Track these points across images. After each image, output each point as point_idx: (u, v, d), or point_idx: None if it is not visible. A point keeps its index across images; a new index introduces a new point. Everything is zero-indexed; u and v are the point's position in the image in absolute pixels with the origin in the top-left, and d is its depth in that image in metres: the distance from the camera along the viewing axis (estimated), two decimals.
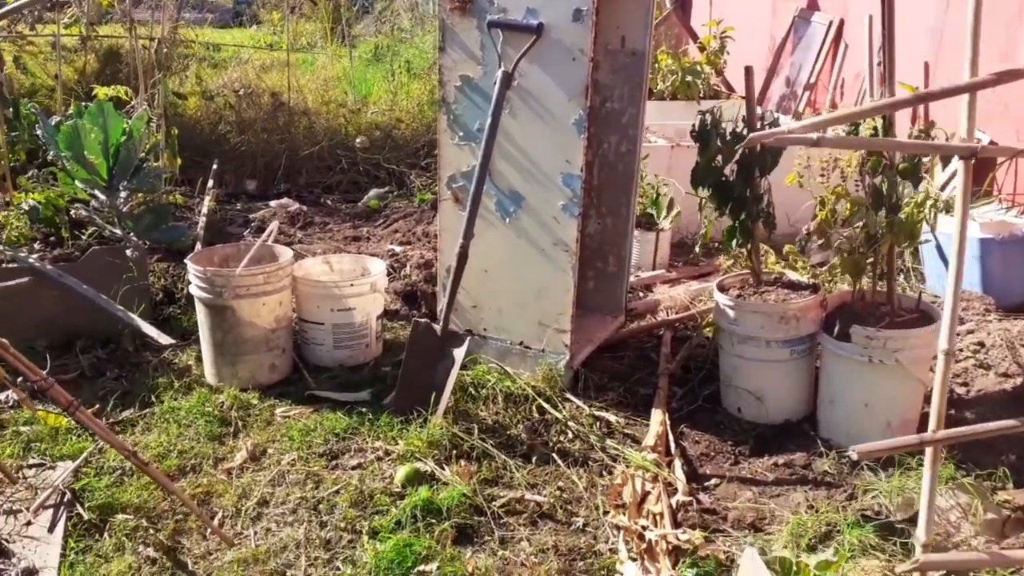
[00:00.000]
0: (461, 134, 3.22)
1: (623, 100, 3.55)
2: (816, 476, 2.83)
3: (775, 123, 3.00)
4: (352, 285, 3.42)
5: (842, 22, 6.28)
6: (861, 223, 2.80)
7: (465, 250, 3.04)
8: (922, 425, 2.97)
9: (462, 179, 3.28)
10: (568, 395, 3.27)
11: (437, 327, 3.10)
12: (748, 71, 3.05)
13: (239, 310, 3.21)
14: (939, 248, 4.21)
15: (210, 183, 5.45)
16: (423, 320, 3.14)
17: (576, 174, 3.04)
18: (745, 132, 3.05)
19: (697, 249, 3.40)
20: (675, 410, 3.26)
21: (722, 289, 3.26)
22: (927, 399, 2.74)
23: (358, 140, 6.48)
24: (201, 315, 3.30)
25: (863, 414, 2.94)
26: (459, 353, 3.04)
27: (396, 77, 7.34)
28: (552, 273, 3.20)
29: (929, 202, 2.57)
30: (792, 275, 3.33)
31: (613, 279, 3.79)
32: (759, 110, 6.77)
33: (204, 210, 4.85)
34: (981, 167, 4.95)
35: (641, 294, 4.32)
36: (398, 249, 4.55)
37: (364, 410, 3.12)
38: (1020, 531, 2.50)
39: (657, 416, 3.11)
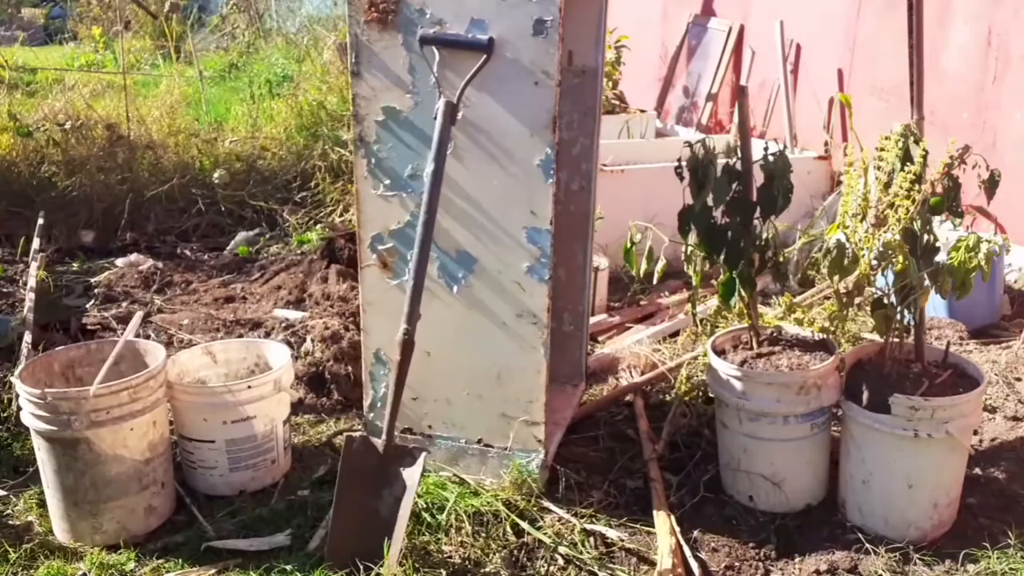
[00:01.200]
0: (387, 182, 2.48)
1: (573, 128, 2.92)
2: None
3: (782, 156, 2.46)
4: (249, 387, 2.59)
5: (742, 28, 5.99)
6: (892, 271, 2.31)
7: (410, 338, 2.31)
8: (969, 506, 2.55)
9: (391, 239, 2.53)
10: (546, 503, 2.59)
11: (378, 442, 2.34)
12: (742, 91, 2.50)
13: (98, 442, 2.31)
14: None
15: (36, 241, 4.35)
16: (358, 435, 2.37)
17: (544, 228, 2.38)
18: (739, 167, 2.50)
19: (643, 272, 2.80)
20: (675, 506, 2.66)
21: (719, 352, 2.70)
22: None
23: (216, 175, 5.52)
24: (42, 453, 2.36)
25: (905, 496, 2.46)
26: (411, 475, 2.29)
27: (256, 99, 6.39)
28: (517, 352, 2.52)
29: (985, 245, 2.10)
30: (790, 328, 2.82)
31: (570, 340, 3.15)
32: (662, 123, 6.40)
33: (31, 281, 3.78)
34: None
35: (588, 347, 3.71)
36: (291, 316, 3.70)
37: (287, 567, 2.29)
38: None
39: (663, 523, 2.50)
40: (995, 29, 4.23)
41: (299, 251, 4.84)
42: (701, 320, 2.95)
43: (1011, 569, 2.26)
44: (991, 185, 2.27)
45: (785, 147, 2.60)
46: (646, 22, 6.94)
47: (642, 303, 4.18)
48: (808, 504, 2.65)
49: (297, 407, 3.15)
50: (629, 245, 2.68)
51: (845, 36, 5.14)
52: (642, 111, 6.28)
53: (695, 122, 6.21)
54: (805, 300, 3.82)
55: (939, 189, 2.28)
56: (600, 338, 3.84)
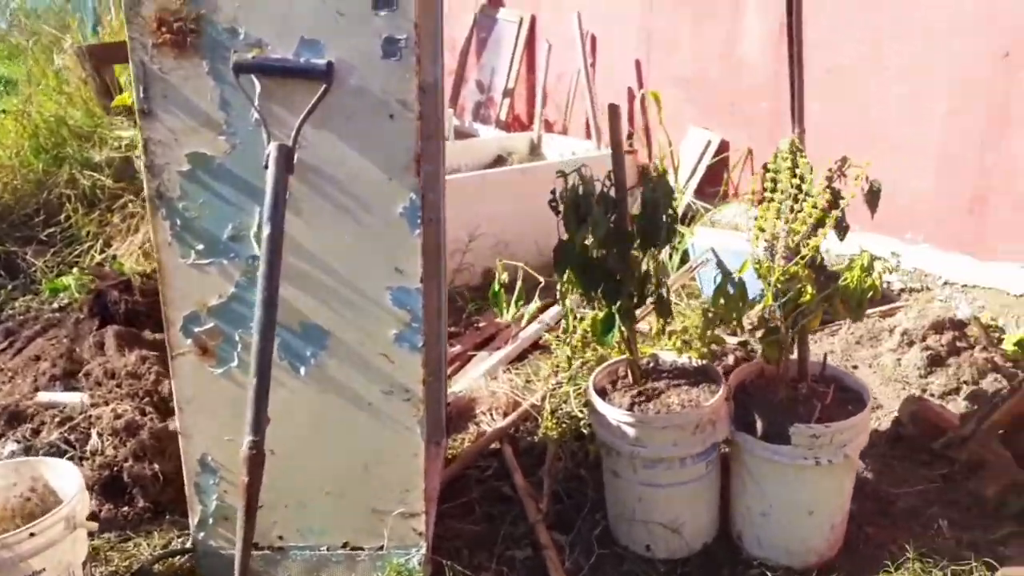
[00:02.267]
0: (201, 248, 1.93)
1: None
2: None
3: (663, 182, 2.22)
4: (32, 534, 1.92)
5: (533, 19, 5.81)
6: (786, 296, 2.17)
7: (259, 451, 1.80)
8: (850, 514, 2.52)
9: (212, 318, 1.99)
10: None
11: None
12: (613, 111, 2.22)
13: None
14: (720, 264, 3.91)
15: None
16: None
17: (414, 287, 1.96)
18: (615, 194, 2.24)
19: (511, 316, 2.50)
20: (572, 572, 2.39)
21: (600, 393, 2.45)
22: None
23: None
24: None
25: (806, 523, 2.37)
26: None
27: None
28: (387, 435, 2.10)
29: (879, 264, 2.01)
30: (666, 356, 2.63)
31: (429, 394, 2.73)
32: (459, 121, 6.08)
33: None
34: (718, 168, 4.83)
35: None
36: (64, 400, 2.92)
37: None
38: None
39: None
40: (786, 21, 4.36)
41: (55, 305, 3.95)
42: (567, 357, 2.69)
43: None
44: (872, 198, 2.19)
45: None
46: None
47: (480, 325, 3.86)
48: (705, 543, 2.50)
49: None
50: (497, 287, 2.33)
51: (640, 28, 5.12)
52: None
53: (493, 119, 5.97)
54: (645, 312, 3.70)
55: (822, 205, 2.16)
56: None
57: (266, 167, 1.76)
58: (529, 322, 3.60)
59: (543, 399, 3.06)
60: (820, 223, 2.12)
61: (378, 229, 1.90)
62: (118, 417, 2.68)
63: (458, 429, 3.05)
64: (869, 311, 3.70)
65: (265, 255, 1.76)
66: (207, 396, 2.04)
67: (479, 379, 3.27)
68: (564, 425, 2.94)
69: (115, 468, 2.59)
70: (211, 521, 2.15)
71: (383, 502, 2.16)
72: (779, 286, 2.03)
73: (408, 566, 2.20)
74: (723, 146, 4.72)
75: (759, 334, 2.12)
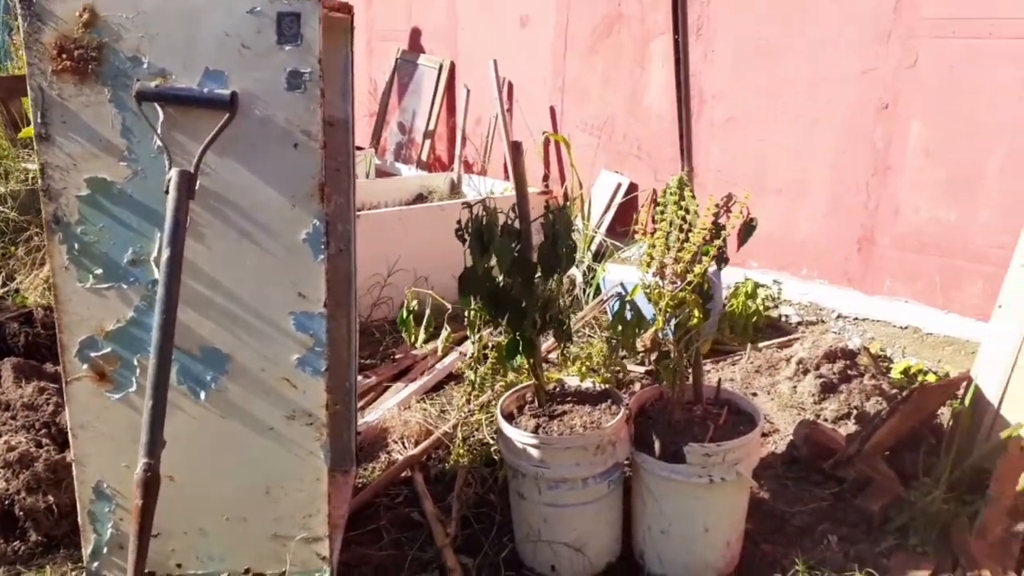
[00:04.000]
0: (99, 272, 1.94)
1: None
2: None
3: (562, 213, 2.34)
4: None
5: (453, 65, 5.98)
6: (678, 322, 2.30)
7: (153, 473, 1.80)
8: (747, 532, 2.64)
9: (109, 343, 1.99)
10: None
11: None
12: (516, 147, 2.34)
13: None
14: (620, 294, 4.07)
15: None
16: None
17: (317, 312, 2.01)
18: (518, 225, 2.35)
19: (421, 343, 2.55)
20: None
21: (508, 418, 2.52)
22: None
23: None
24: None
25: (703, 540, 2.47)
26: None
27: None
28: (289, 460, 2.11)
29: (763, 291, 2.16)
30: (571, 380, 2.73)
31: (338, 422, 2.77)
32: (380, 161, 6.17)
33: None
34: (627, 208, 5.03)
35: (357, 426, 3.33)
36: None
37: None
38: None
39: None
40: (689, 71, 4.62)
41: None
42: (477, 384, 2.76)
43: None
44: (746, 232, 2.34)
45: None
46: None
47: (396, 357, 3.90)
48: (609, 562, 2.57)
49: None
50: (406, 314, 2.39)
51: (554, 76, 5.33)
52: (359, 148, 6.00)
53: (415, 159, 6.08)
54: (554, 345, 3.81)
55: (704, 236, 2.31)
56: (358, 404, 3.48)
57: (167, 193, 1.79)
58: (444, 350, 3.65)
59: (455, 427, 3.11)
60: (703, 252, 2.26)
61: (281, 255, 1.95)
62: (11, 449, 2.61)
63: (369, 458, 3.07)
64: (767, 343, 3.90)
65: (163, 279, 1.78)
66: (103, 422, 2.03)
67: (392, 409, 3.30)
68: (475, 452, 2.99)
69: (7, 501, 2.52)
70: (105, 550, 2.11)
71: (285, 527, 2.16)
72: (669, 311, 2.15)
73: None
74: (632, 188, 4.93)
75: (652, 357, 2.22)
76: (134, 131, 1.84)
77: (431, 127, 5.95)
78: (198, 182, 1.87)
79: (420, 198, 5.26)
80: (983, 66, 3.54)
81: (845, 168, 4.05)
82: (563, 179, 5.37)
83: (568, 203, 5.07)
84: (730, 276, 4.22)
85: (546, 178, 5.40)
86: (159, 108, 1.82)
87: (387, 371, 3.76)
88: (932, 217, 3.78)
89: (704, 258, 2.09)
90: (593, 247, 4.94)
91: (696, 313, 2.11)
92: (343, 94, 2.48)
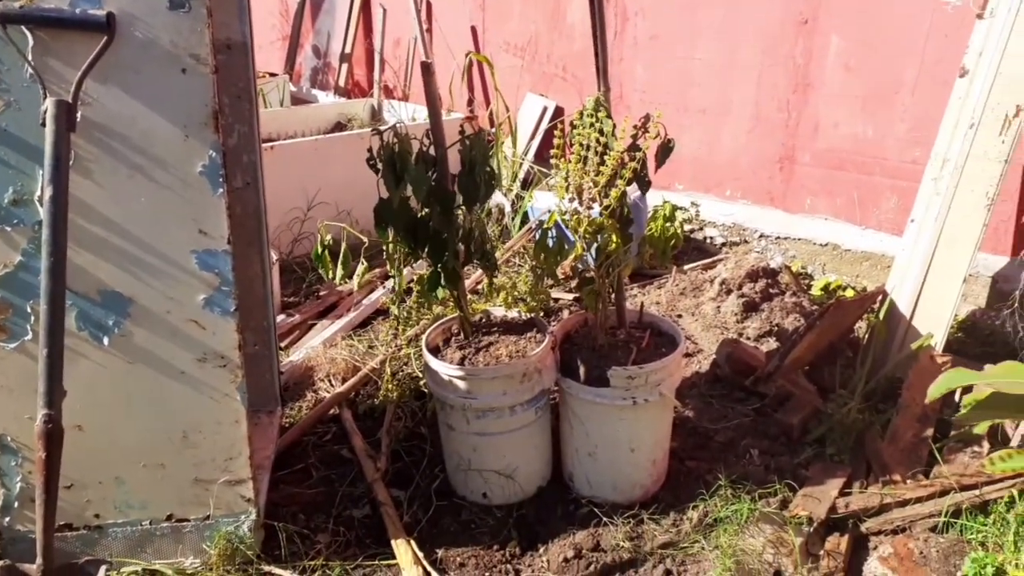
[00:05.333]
0: None
1: (225, 115, 2.41)
2: (615, 557, 2.32)
3: (479, 139, 2.25)
4: None
5: None
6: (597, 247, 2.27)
7: (55, 424, 1.71)
8: (673, 450, 2.69)
9: None
10: (267, 567, 2.19)
11: (32, 567, 1.72)
12: (426, 68, 2.22)
13: None
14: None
15: None
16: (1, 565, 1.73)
17: (221, 250, 1.91)
18: (433, 152, 2.26)
19: (340, 278, 2.46)
20: (411, 526, 2.43)
21: (434, 351, 2.48)
22: None
23: None
24: None
25: (629, 460, 2.51)
26: None
27: None
28: (205, 404, 2.04)
29: (681, 215, 2.14)
30: (497, 311, 2.70)
31: (259, 362, 2.70)
32: (296, 87, 5.90)
33: None
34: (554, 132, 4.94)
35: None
36: None
37: None
38: (820, 545, 2.35)
39: (404, 553, 2.26)
40: None
41: None
42: (402, 319, 2.70)
43: (727, 506, 2.43)
44: (664, 154, 2.31)
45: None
46: None
47: (321, 294, 3.80)
48: (539, 487, 2.60)
49: None
50: (320, 249, 2.30)
51: None
52: (272, 74, 5.73)
53: (332, 85, 5.83)
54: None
55: (627, 160, 2.26)
56: (282, 344, 3.40)
57: (43, 125, 1.65)
58: (361, 286, 3.57)
59: (383, 362, 3.07)
60: (616, 177, 2.22)
61: (177, 190, 1.83)
62: None
63: (296, 397, 3.01)
64: (691, 264, 3.94)
65: (48, 219, 1.66)
66: (0, 373, 1.91)
67: (317, 347, 3.23)
68: (405, 386, 2.96)
69: None
70: (16, 504, 2.03)
71: (207, 471, 2.10)
72: (587, 237, 2.11)
73: (238, 533, 2.17)
74: (558, 111, 4.85)
75: (572, 284, 2.20)
76: (2, 59, 1.68)
77: (347, 50, 5.70)
78: (79, 113, 1.73)
79: (339, 127, 5.06)
80: None
81: (766, 85, 4.04)
82: (488, 103, 5.24)
83: (493, 129, 4.96)
84: (655, 199, 4.23)
85: (470, 102, 5.26)
86: (27, 32, 1.65)
87: (311, 309, 3.67)
88: (850, 133, 3.82)
89: (619, 182, 2.05)
90: (521, 174, 4.87)
91: (614, 238, 2.08)
92: (239, 13, 2.31)
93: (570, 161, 2.13)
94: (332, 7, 5.86)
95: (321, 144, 4.30)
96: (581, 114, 2.18)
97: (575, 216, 2.14)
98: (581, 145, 2.10)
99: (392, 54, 5.59)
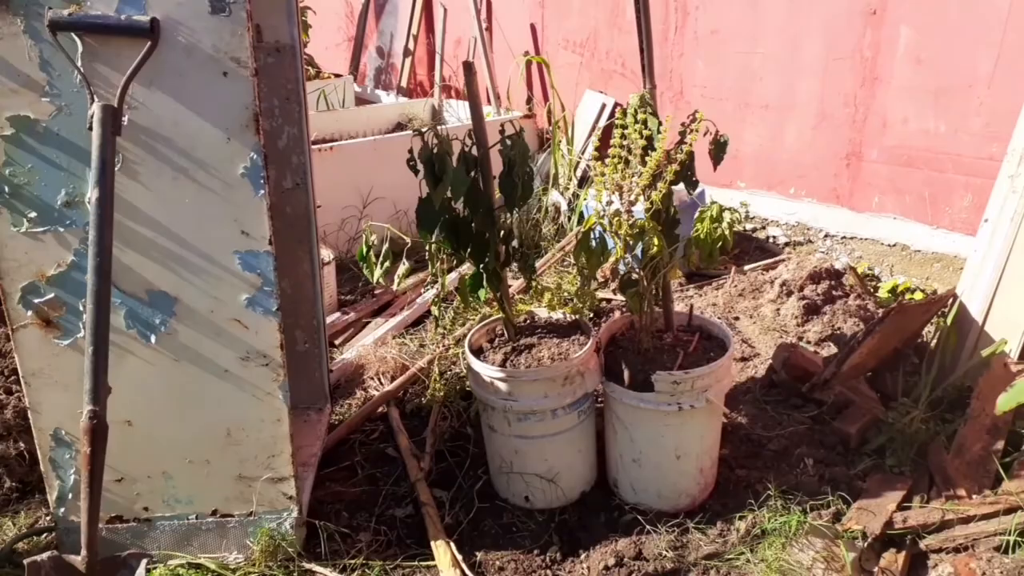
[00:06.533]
0: (33, 215, 1.86)
1: (275, 116, 2.46)
2: (657, 567, 2.27)
3: (519, 140, 2.23)
4: None
5: None
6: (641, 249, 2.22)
7: (100, 421, 1.76)
8: (723, 458, 2.62)
9: (52, 288, 1.93)
10: (308, 564, 2.21)
11: (77, 559, 1.78)
12: (468, 68, 2.21)
13: None
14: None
15: None
16: (47, 557, 1.79)
17: (263, 251, 1.94)
18: (475, 153, 2.24)
19: (378, 278, 2.48)
20: (452, 527, 2.42)
21: (477, 352, 2.47)
22: None
23: None
24: None
25: (675, 467, 2.45)
26: None
27: None
28: (248, 402, 2.07)
29: (728, 215, 2.07)
30: (542, 312, 2.67)
31: (308, 360, 2.74)
32: (360, 88, 5.99)
33: None
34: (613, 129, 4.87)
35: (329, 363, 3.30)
36: None
37: None
38: (875, 561, 2.25)
39: (443, 555, 2.25)
40: None
41: None
42: (448, 320, 2.70)
43: (776, 518, 2.35)
44: (718, 151, 2.24)
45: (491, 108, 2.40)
46: None
47: (376, 292, 3.84)
48: (583, 492, 2.56)
49: None
50: (365, 249, 2.32)
51: None
52: (337, 75, 5.82)
53: (395, 85, 5.89)
54: (538, 271, 3.74)
55: (671, 158, 2.20)
56: (336, 341, 3.45)
57: (90, 129, 1.70)
58: (402, 285, 3.58)
59: (431, 362, 3.08)
60: (658, 177, 2.16)
61: (220, 191, 1.87)
62: None
63: (346, 395, 3.04)
64: (752, 265, 3.83)
65: (95, 220, 1.71)
66: (55, 369, 1.99)
67: (368, 345, 3.26)
68: (451, 386, 2.96)
69: None
70: (70, 496, 2.10)
71: (250, 468, 2.14)
72: (629, 239, 2.06)
73: (280, 530, 2.20)
74: (616, 108, 4.77)
75: (613, 286, 2.15)
76: (53, 64, 1.74)
77: (409, 50, 5.74)
78: (126, 117, 1.78)
79: (399, 127, 5.11)
80: None
81: (832, 80, 3.89)
82: (546, 100, 5.20)
83: (551, 127, 4.93)
84: (720, 198, 4.12)
85: (529, 100, 5.23)
86: (77, 38, 1.71)
87: (366, 307, 3.71)
88: (921, 128, 3.65)
89: (660, 184, 1.99)
90: (579, 172, 4.82)
91: (656, 241, 2.03)
92: (288, 15, 2.34)
93: (607, 162, 2.08)
94: (395, 8, 5.92)
95: (380, 144, 4.34)
96: (624, 112, 2.13)
97: (616, 217, 2.09)
98: (620, 145, 2.05)
99: (452, 53, 5.61)
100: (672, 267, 2.25)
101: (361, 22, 6.13)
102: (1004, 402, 2.60)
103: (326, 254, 3.52)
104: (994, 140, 3.37)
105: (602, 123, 4.81)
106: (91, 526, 1.76)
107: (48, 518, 2.41)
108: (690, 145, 2.04)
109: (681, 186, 2.27)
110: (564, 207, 4.48)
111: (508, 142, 2.19)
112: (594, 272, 2.29)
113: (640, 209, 2.09)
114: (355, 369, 3.13)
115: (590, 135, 4.86)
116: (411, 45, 5.76)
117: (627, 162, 2.12)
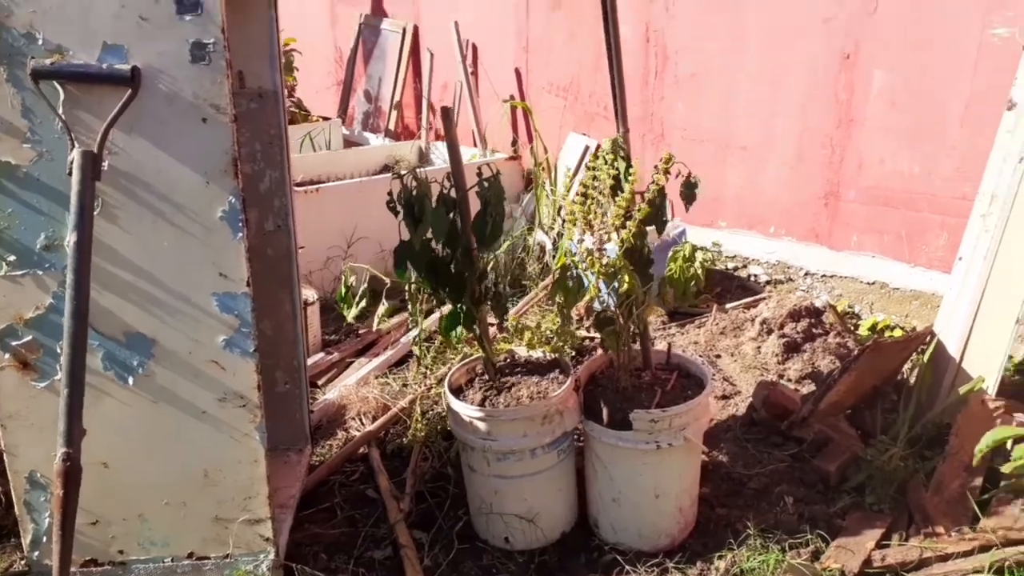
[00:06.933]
0: (12, 259, 1.88)
1: (257, 160, 2.50)
2: None
3: (495, 182, 2.27)
4: None
5: (416, 28, 5.85)
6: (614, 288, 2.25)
7: (74, 463, 1.76)
8: (703, 496, 2.62)
9: (29, 331, 1.94)
10: None
11: None
12: (445, 113, 2.26)
13: None
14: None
15: None
16: None
17: (240, 292, 1.96)
18: (454, 194, 2.28)
19: (352, 317, 2.48)
20: (431, 569, 2.41)
21: (457, 392, 2.49)
22: None
23: None
24: None
25: (654, 507, 2.45)
26: None
27: None
28: (225, 443, 2.08)
29: (701, 254, 2.11)
30: (521, 351, 2.69)
31: (289, 401, 2.75)
32: (348, 131, 6.07)
33: None
34: None
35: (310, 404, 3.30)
36: None
37: None
38: None
39: None
40: (651, 26, 4.51)
41: None
42: (429, 360, 2.71)
43: (755, 557, 2.35)
44: (688, 190, 2.28)
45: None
46: (314, 24, 6.54)
47: (360, 332, 3.86)
48: (563, 532, 2.56)
49: None
50: (344, 291, 2.34)
51: (518, 36, 5.21)
52: (326, 118, 5.90)
53: (383, 128, 5.97)
54: (520, 309, 3.76)
55: (648, 199, 2.25)
56: (319, 381, 3.45)
57: (70, 174, 1.73)
58: (381, 325, 3.60)
59: (412, 402, 3.08)
60: (628, 216, 2.19)
61: (198, 234, 1.89)
62: None
63: (327, 436, 3.04)
64: (733, 303, 3.87)
65: (73, 264, 1.73)
66: (31, 411, 1.99)
67: (350, 385, 3.27)
68: (433, 426, 2.97)
69: None
70: (44, 539, 2.09)
71: (226, 510, 2.13)
72: (602, 278, 2.10)
73: (257, 572, 2.19)
74: (599, 150, 4.85)
75: (587, 325, 2.18)
76: (35, 111, 1.78)
77: (397, 94, 5.84)
78: (106, 162, 1.81)
79: (387, 169, 5.17)
80: (945, 12, 3.45)
81: (809, 122, 3.98)
82: (531, 141, 5.28)
83: (534, 168, 5.00)
84: (702, 237, 4.18)
85: (514, 142, 5.31)
86: (58, 86, 1.75)
87: (350, 347, 3.72)
88: (896, 169, 3.72)
89: (629, 223, 2.03)
90: (564, 213, 4.88)
91: (627, 279, 2.06)
92: (270, 61, 2.40)
93: (575, 199, 2.13)
94: (383, 53, 6.03)
95: (365, 186, 4.39)
96: (596, 156, 2.18)
97: (588, 256, 2.12)
98: (591, 186, 2.10)
99: (439, 97, 5.71)
100: (648, 305, 2.28)
101: (350, 67, 6.23)
102: (980, 448, 2.59)
103: (310, 295, 3.55)
104: (966, 180, 3.44)
105: (585, 163, 4.88)
106: (63, 570, 1.75)
107: (23, 562, 2.38)
108: (657, 185, 2.08)
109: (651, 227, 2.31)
110: (549, 246, 4.53)
111: (486, 184, 2.23)
112: (570, 309, 2.32)
113: (613, 248, 2.13)
114: (337, 409, 3.13)
115: (574, 175, 4.92)
116: (399, 89, 5.86)
117: (598, 202, 2.17)
